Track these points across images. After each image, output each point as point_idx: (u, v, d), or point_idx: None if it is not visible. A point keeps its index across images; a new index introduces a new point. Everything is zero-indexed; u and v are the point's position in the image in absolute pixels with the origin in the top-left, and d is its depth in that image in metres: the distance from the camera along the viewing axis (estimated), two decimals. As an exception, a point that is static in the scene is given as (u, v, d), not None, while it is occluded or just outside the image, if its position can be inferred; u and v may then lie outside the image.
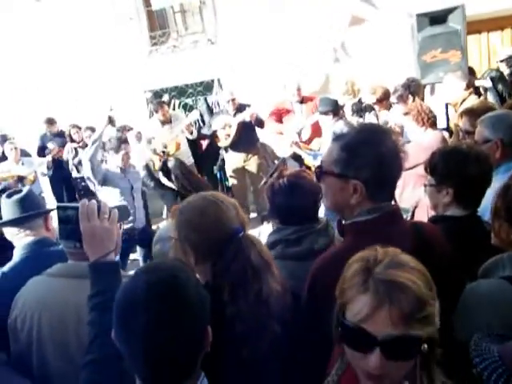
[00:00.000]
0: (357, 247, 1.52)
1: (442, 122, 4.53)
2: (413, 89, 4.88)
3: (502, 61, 5.94)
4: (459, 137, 4.05)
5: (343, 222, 1.62)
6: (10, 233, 2.38)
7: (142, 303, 1.06)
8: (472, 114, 2.90)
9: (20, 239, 2.35)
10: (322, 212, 2.20)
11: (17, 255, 2.31)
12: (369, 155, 1.48)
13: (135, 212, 4.76)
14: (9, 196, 2.39)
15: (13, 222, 2.35)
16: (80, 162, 6.90)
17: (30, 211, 2.37)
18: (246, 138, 6.33)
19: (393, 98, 5.03)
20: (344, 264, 1.51)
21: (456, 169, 2.02)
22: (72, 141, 7.20)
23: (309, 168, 4.98)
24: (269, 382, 1.46)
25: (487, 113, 2.59)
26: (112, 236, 1.57)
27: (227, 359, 1.39)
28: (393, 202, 1.61)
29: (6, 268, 2.27)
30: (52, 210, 2.86)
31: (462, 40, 5.34)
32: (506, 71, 5.75)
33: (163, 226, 2.25)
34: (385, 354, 1.00)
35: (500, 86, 5.42)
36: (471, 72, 6.09)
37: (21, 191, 2.42)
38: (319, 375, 1.49)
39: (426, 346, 1.02)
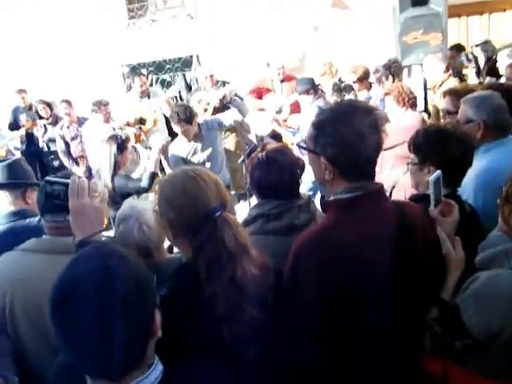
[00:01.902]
0: (338, 225, 1.54)
1: (420, 104, 4.55)
2: (393, 70, 4.89)
3: (477, 45, 6.00)
4: (438, 118, 4.10)
5: (326, 198, 1.63)
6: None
7: (76, 298, 1.01)
8: (455, 94, 2.92)
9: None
10: (305, 188, 2.19)
11: None
12: (333, 134, 1.51)
13: None
14: None
15: None
16: (50, 139, 6.73)
17: (15, 179, 2.35)
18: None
19: (373, 78, 5.04)
20: (327, 242, 1.52)
21: (439, 148, 2.02)
22: (40, 117, 6.93)
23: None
24: (246, 366, 1.44)
25: (469, 93, 2.60)
26: (101, 215, 1.53)
27: (208, 339, 1.38)
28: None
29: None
30: (37, 183, 2.80)
31: (443, 22, 5.36)
32: (480, 55, 5.80)
33: (124, 205, 2.19)
34: None
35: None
36: (460, 48, 6.13)
37: (10, 158, 2.43)
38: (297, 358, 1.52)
39: None
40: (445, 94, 3.12)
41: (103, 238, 1.59)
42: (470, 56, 5.38)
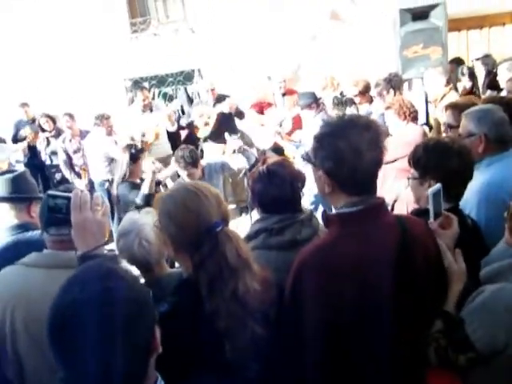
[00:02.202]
0: (340, 240, 1.54)
1: (421, 118, 4.56)
2: (394, 83, 4.91)
3: (477, 59, 6.03)
4: (439, 132, 4.11)
5: (327, 212, 1.63)
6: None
7: (74, 323, 0.99)
8: (456, 108, 2.92)
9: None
10: (307, 202, 2.19)
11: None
12: (330, 147, 1.52)
13: None
14: (1, 174, 2.39)
15: None
16: (53, 152, 6.75)
17: (19, 193, 2.34)
18: (225, 128, 6.28)
19: (374, 92, 5.06)
20: (329, 256, 1.52)
21: (439, 162, 2.02)
22: (43, 130, 6.95)
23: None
24: (249, 382, 1.42)
25: (471, 107, 2.60)
26: (104, 229, 1.52)
27: (209, 355, 1.37)
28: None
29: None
30: (40, 197, 2.81)
31: (443, 36, 5.38)
32: (481, 69, 5.82)
33: (125, 219, 2.19)
34: None
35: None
36: (459, 62, 6.15)
37: (15, 171, 2.42)
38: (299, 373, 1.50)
39: None
40: (446, 107, 3.12)
41: (105, 252, 1.58)
42: (465, 70, 5.40)
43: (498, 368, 1.50)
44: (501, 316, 1.48)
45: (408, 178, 2.19)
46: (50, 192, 1.60)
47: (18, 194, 2.39)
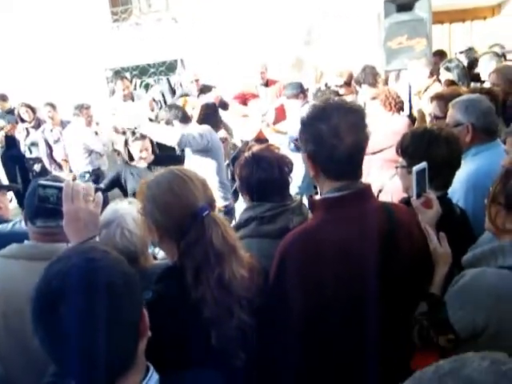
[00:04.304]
0: (325, 224, 1.54)
1: (405, 109, 4.57)
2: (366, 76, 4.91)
3: (461, 52, 6.06)
4: (424, 123, 4.11)
5: (313, 197, 1.65)
6: None
7: (59, 295, 0.93)
8: (442, 98, 2.92)
9: None
10: (292, 192, 2.16)
11: None
12: (311, 130, 1.54)
13: None
14: None
15: None
16: (33, 143, 6.61)
17: None
18: (208, 119, 6.21)
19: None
20: (313, 241, 1.51)
21: (426, 150, 2.01)
22: (22, 120, 6.79)
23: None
24: (236, 371, 1.39)
25: (456, 98, 2.59)
26: (97, 220, 1.48)
27: (195, 345, 1.34)
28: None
29: None
30: (6, 186, 2.72)
31: (427, 28, 5.37)
32: (464, 62, 5.86)
33: (107, 209, 2.13)
34: None
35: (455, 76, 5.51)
36: (442, 55, 6.17)
37: None
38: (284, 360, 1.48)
39: None
40: (432, 98, 3.12)
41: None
42: (452, 65, 5.41)
43: (481, 349, 1.50)
44: (480, 298, 1.49)
45: (396, 167, 2.18)
46: (41, 181, 1.54)
47: None
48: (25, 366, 1.61)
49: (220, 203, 3.94)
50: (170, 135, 3.89)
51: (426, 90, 4.64)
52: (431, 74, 4.74)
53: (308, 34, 7.15)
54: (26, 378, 1.58)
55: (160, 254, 2.26)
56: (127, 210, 2.06)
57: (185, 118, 4.11)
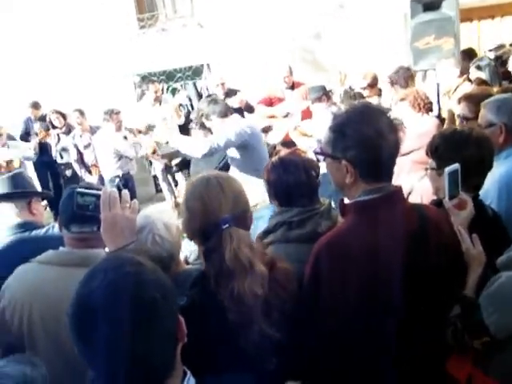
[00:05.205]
0: (357, 227, 1.54)
1: (434, 110, 4.50)
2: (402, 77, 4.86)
3: (490, 50, 5.94)
4: (454, 123, 4.05)
5: (345, 202, 1.63)
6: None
7: (100, 311, 0.94)
8: (471, 99, 2.87)
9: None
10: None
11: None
12: (353, 136, 1.51)
13: None
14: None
15: None
16: (63, 149, 6.75)
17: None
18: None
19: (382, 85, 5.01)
20: (346, 244, 1.51)
21: (456, 151, 1.98)
22: (53, 127, 6.95)
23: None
24: (268, 375, 1.40)
25: (486, 98, 2.55)
26: (133, 226, 1.52)
27: (225, 349, 1.36)
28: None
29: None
30: (41, 192, 2.80)
31: (455, 27, 5.27)
32: (494, 60, 5.74)
33: (139, 215, 2.15)
34: None
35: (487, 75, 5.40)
36: (472, 54, 6.06)
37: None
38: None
39: None
40: (460, 99, 3.06)
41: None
42: (483, 63, 5.30)
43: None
44: None
45: (426, 169, 2.17)
46: (79, 189, 1.58)
47: (16, 190, 2.43)
48: (63, 367, 1.65)
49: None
50: (197, 148, 3.93)
51: (455, 90, 4.56)
52: (461, 74, 4.66)
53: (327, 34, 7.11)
54: (66, 379, 1.61)
55: (191, 257, 2.27)
56: (158, 215, 2.08)
57: (223, 113, 4.10)
